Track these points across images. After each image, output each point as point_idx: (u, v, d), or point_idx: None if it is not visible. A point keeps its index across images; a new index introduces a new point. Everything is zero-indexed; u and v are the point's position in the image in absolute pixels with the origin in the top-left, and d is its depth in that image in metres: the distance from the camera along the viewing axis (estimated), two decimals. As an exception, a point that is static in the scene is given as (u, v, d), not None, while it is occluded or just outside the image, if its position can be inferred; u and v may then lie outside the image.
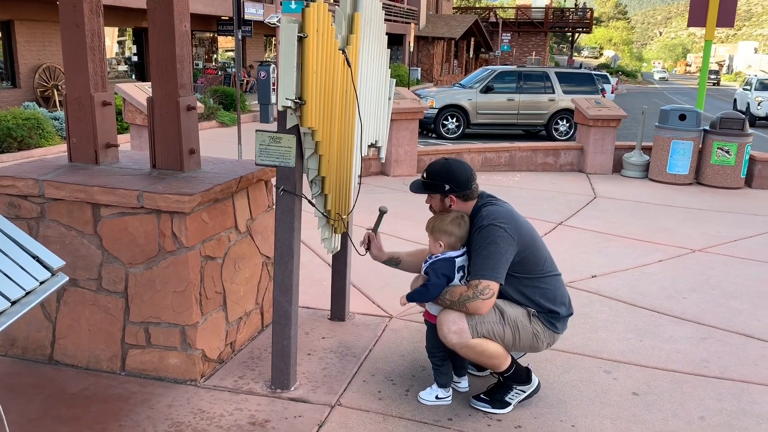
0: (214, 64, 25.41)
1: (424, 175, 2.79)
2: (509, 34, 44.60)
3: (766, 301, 4.39)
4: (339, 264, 3.56)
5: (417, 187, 2.82)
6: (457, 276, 2.72)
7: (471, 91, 15.06)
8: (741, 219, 6.87)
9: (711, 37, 10.26)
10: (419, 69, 34.63)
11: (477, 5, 59.01)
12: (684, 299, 4.38)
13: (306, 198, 2.80)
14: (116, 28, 20.05)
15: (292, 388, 2.91)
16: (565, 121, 14.99)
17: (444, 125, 14.81)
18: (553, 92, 14.98)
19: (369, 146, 3.39)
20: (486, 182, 8.08)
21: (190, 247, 2.85)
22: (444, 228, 2.72)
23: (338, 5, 2.76)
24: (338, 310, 3.68)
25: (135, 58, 21.04)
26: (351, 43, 2.75)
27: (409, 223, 6.05)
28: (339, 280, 3.60)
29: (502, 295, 2.68)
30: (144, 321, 2.95)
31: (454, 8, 48.95)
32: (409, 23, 31.46)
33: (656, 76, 77.46)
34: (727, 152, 8.57)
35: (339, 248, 3.32)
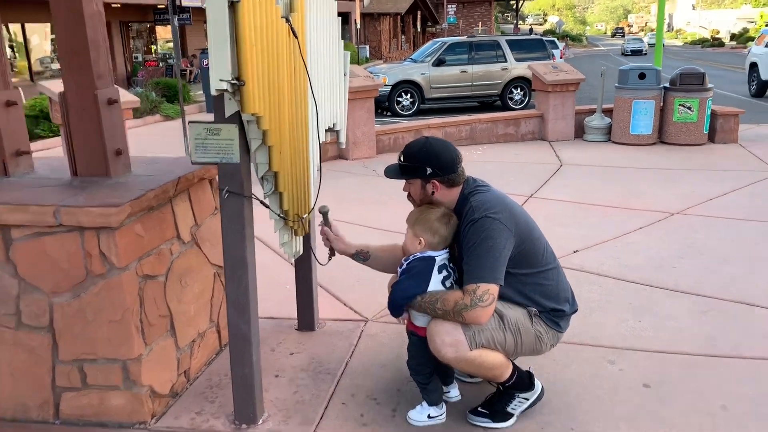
0: (154, 55, 24.34)
1: (402, 158, 2.37)
2: (454, 6, 44.09)
3: (759, 264, 4.15)
4: (303, 268, 3.14)
5: (393, 172, 2.39)
6: (439, 276, 2.32)
7: (423, 66, 14.63)
8: (711, 176, 6.70)
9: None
10: (367, 47, 33.96)
11: (419, -22, 58.23)
12: (674, 268, 4.11)
13: (257, 198, 2.36)
14: (48, 24, 18.91)
15: (260, 422, 2.48)
16: (519, 89, 14.71)
17: (398, 102, 14.36)
18: (506, 61, 14.67)
19: (327, 131, 2.96)
20: (449, 158, 7.72)
21: (124, 267, 2.38)
22: (429, 224, 2.31)
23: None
24: (306, 318, 3.25)
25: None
26: (295, 9, 2.30)
27: (375, 208, 5.65)
28: (304, 286, 3.17)
29: (499, 296, 2.27)
30: (77, 359, 2.48)
31: (397, -17, 48.09)
32: (354, 0, 30.76)
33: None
34: (689, 108, 8.40)
35: (302, 252, 2.89)
